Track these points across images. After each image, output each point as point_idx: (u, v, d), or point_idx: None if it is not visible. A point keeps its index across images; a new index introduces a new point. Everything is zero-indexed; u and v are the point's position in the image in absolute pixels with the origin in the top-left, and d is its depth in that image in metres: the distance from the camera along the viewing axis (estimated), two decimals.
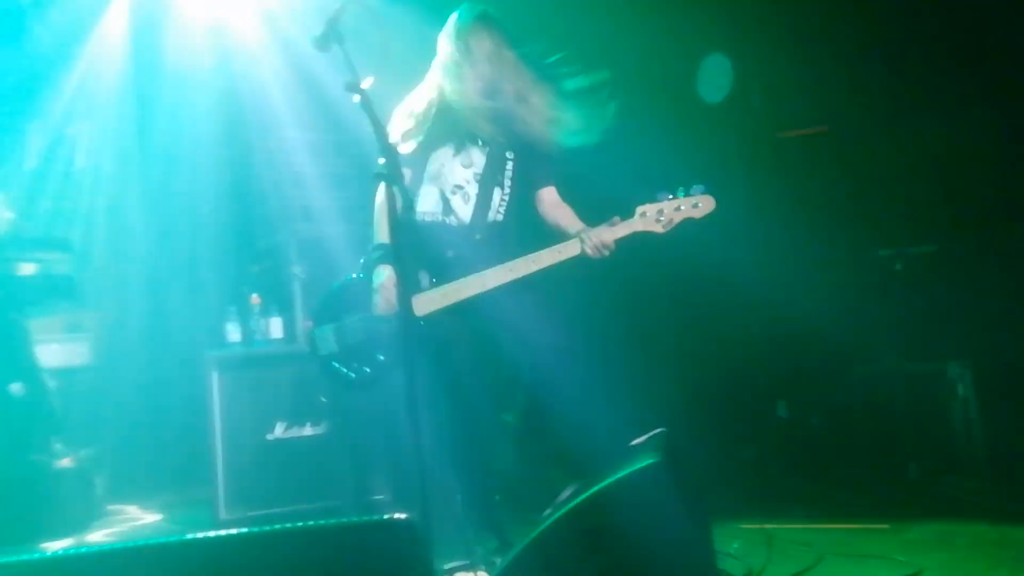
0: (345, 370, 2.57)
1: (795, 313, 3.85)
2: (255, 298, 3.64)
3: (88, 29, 4.70)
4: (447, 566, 2.33)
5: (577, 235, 2.37)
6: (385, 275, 2.36)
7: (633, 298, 4.30)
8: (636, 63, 3.88)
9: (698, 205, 2.38)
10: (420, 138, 2.45)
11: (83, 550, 1.26)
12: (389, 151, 1.84)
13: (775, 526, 2.86)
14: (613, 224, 2.36)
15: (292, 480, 3.46)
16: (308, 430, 3.55)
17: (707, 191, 2.38)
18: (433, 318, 2.35)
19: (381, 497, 3.57)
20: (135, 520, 4.03)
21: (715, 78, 4.10)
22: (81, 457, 3.72)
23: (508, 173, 2.51)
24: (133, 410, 4.12)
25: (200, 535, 1.27)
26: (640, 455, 1.81)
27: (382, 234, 2.39)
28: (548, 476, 3.18)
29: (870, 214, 4.16)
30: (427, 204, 2.48)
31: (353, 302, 2.54)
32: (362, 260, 2.56)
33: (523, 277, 2.35)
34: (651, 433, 2.07)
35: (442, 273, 2.39)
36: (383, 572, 1.36)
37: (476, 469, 2.47)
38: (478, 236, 2.44)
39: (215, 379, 3.47)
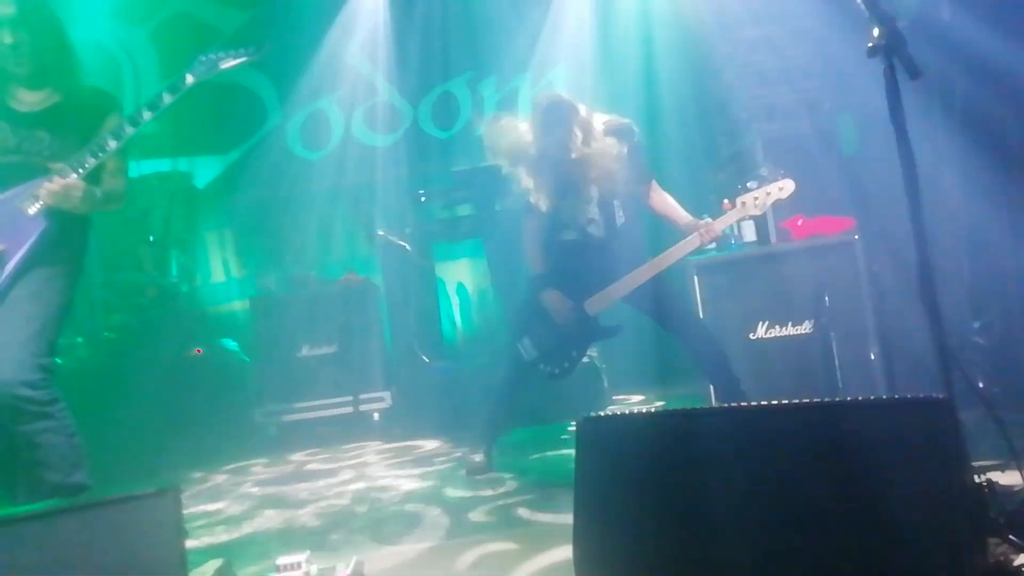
0: (550, 369, 3.25)
1: None
2: (726, 204, 3.75)
3: None
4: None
5: (694, 230, 3.09)
6: (552, 298, 3.17)
7: None
8: None
9: (783, 188, 2.98)
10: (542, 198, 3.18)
11: (660, 411, 1.51)
12: (885, 20, 1.70)
13: None
14: (723, 215, 3.10)
15: (777, 376, 3.55)
16: (790, 329, 3.58)
17: (786, 175, 2.99)
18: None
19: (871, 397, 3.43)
20: (638, 407, 4.66)
21: None
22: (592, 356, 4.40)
23: (616, 193, 3.19)
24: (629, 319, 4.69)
25: (751, 404, 1.43)
26: None
27: (535, 264, 3.24)
28: None
29: None
30: (571, 236, 3.22)
31: (537, 314, 3.24)
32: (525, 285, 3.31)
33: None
34: None
35: (595, 279, 3.16)
36: (917, 447, 1.35)
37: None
38: (615, 243, 3.18)
39: (696, 282, 3.73)
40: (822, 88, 3.94)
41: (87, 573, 1.33)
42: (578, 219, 3.24)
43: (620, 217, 3.25)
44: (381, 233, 5.22)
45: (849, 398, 1.43)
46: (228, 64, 2.45)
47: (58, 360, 2.37)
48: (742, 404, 1.54)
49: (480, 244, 5.23)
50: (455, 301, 6.19)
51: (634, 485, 1.63)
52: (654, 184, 3.32)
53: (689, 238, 3.12)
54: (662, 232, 3.41)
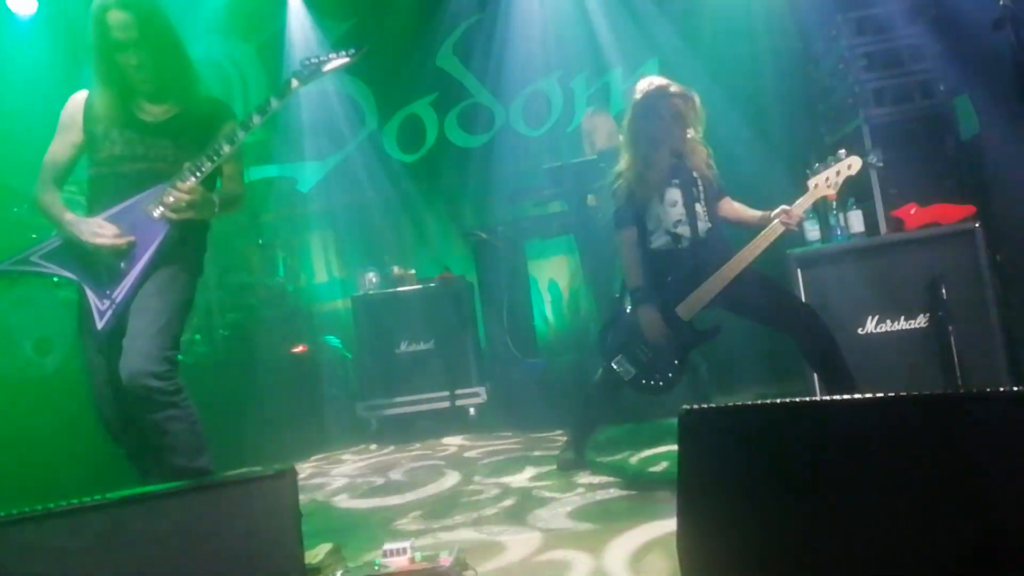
0: (653, 383, 3.10)
1: None
2: (831, 195, 3.59)
3: None
4: None
5: (775, 217, 2.95)
6: (649, 316, 3.03)
7: None
8: None
9: (851, 165, 2.93)
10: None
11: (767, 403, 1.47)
12: None
13: None
14: (798, 203, 2.95)
15: (889, 373, 3.37)
16: (903, 324, 3.40)
17: (849, 153, 2.95)
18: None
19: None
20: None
21: None
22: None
23: (700, 189, 3.13)
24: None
25: (896, 394, 1.36)
26: None
27: (635, 277, 3.11)
28: None
29: None
30: (660, 243, 3.12)
31: (628, 328, 3.11)
32: (617, 295, 3.23)
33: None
34: None
35: (688, 282, 3.04)
36: None
37: None
38: (705, 244, 3.08)
39: (799, 276, 3.59)
40: (936, 68, 3.71)
41: (213, 545, 1.43)
42: (665, 222, 3.12)
43: (707, 222, 3.13)
44: (475, 232, 5.29)
45: (972, 391, 1.32)
46: (330, 67, 2.55)
47: (179, 356, 2.53)
48: (885, 394, 1.43)
49: (572, 240, 5.22)
50: (547, 298, 6.21)
51: (749, 480, 1.56)
52: (728, 198, 3.24)
53: (772, 224, 2.97)
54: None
